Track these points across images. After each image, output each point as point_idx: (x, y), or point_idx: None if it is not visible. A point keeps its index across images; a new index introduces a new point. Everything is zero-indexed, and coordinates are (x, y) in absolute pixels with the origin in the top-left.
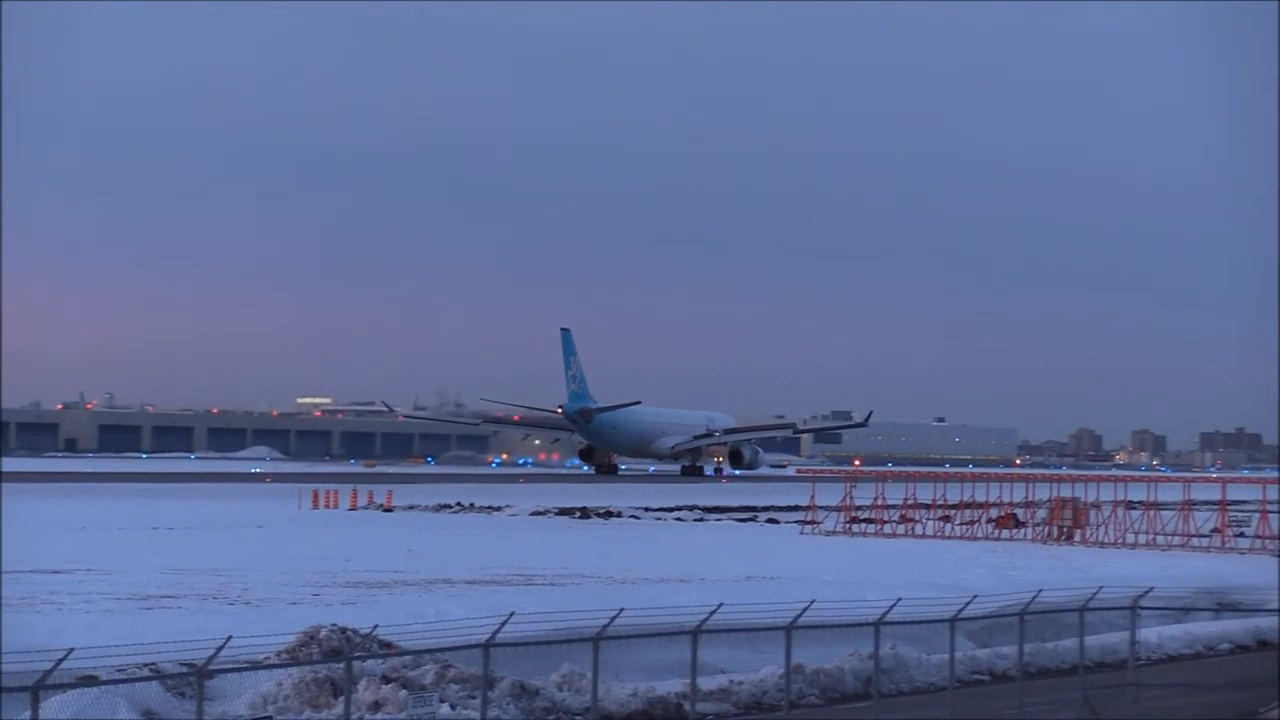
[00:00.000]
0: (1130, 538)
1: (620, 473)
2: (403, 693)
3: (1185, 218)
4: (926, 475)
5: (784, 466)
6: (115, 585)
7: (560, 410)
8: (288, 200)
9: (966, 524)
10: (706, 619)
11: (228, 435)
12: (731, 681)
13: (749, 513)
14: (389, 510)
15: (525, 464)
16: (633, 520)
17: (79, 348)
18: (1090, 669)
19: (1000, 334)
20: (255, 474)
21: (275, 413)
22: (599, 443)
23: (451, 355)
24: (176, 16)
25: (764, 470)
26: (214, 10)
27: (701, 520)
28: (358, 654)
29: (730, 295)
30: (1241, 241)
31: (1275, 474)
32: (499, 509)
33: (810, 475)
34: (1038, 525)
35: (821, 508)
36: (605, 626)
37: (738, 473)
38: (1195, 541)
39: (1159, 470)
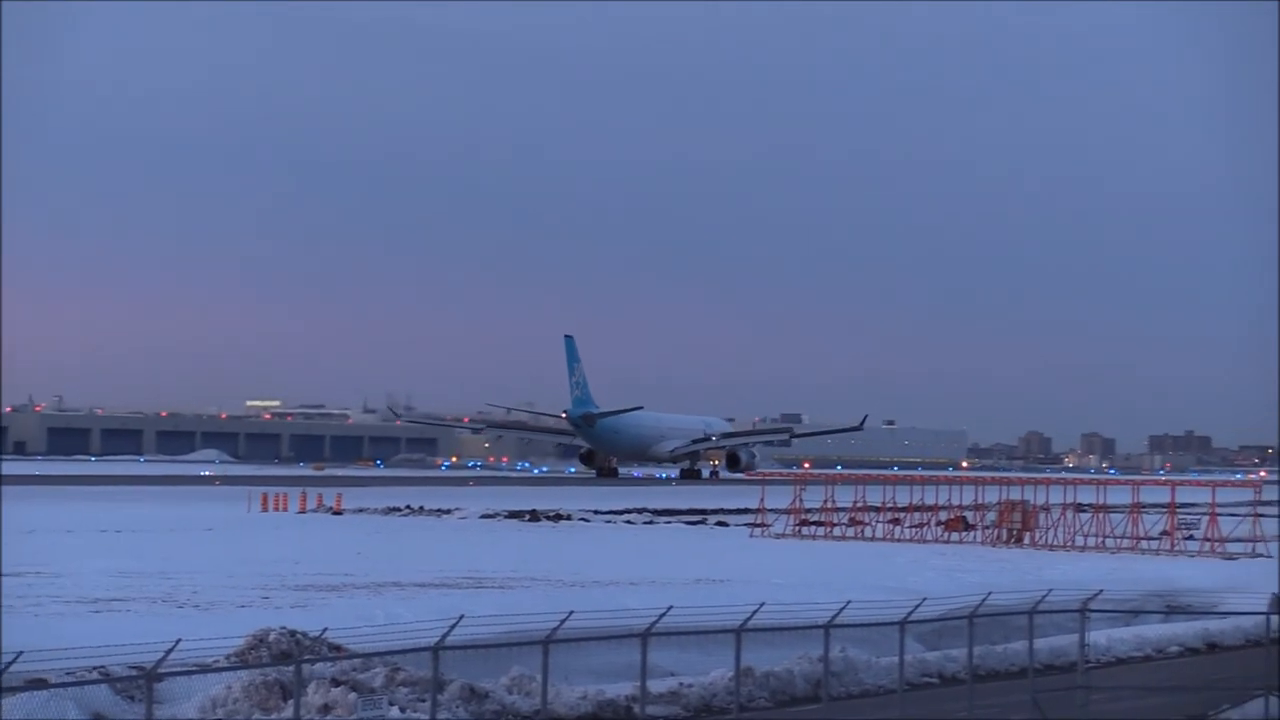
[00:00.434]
0: (1080, 540)
1: (620, 475)
2: (352, 695)
3: (1172, 222)
4: (876, 478)
5: None
6: (64, 588)
7: (564, 415)
8: (286, 201)
9: (916, 527)
10: (656, 622)
11: (177, 438)
12: (681, 684)
13: (699, 516)
14: (338, 513)
15: (474, 466)
16: (582, 523)
17: (27, 350)
18: (1040, 671)
19: (949, 337)
20: (204, 477)
21: (224, 415)
22: (601, 447)
23: (452, 359)
24: (175, 19)
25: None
26: (211, 13)
27: (651, 523)
28: (307, 657)
29: (695, 299)
30: (1227, 244)
31: (1235, 476)
32: (448, 512)
33: (759, 478)
34: (987, 528)
35: (771, 510)
36: (555, 629)
37: (738, 475)
38: (1144, 544)
39: (1108, 473)
